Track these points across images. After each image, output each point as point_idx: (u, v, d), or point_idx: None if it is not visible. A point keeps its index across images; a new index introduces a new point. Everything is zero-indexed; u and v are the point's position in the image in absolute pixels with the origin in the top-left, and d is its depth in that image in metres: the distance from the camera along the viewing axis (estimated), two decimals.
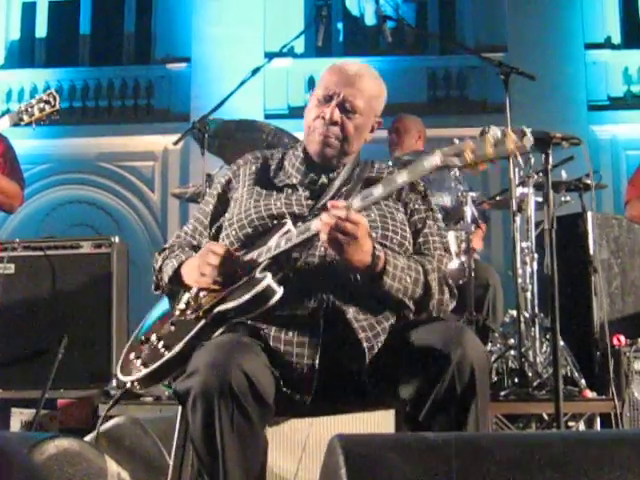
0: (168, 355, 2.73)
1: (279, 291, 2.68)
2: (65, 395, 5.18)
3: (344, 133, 3.03)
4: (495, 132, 2.67)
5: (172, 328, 2.84)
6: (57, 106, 4.39)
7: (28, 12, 17.35)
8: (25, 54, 17.27)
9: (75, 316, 5.38)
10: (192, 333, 2.74)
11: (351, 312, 2.78)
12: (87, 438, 3.75)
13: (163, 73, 16.62)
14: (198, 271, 2.81)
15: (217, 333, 2.75)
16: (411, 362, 2.59)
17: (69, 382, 5.18)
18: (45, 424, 5.00)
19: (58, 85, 16.18)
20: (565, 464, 1.63)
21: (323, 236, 2.67)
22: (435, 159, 2.73)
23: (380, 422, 3.24)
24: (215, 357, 2.51)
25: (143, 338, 2.88)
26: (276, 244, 2.81)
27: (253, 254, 2.83)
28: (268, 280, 2.68)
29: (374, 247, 2.74)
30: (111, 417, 4.45)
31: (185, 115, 15.34)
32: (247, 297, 2.67)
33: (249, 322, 2.79)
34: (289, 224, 2.86)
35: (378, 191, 2.77)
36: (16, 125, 4.41)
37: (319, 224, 2.69)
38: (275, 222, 2.92)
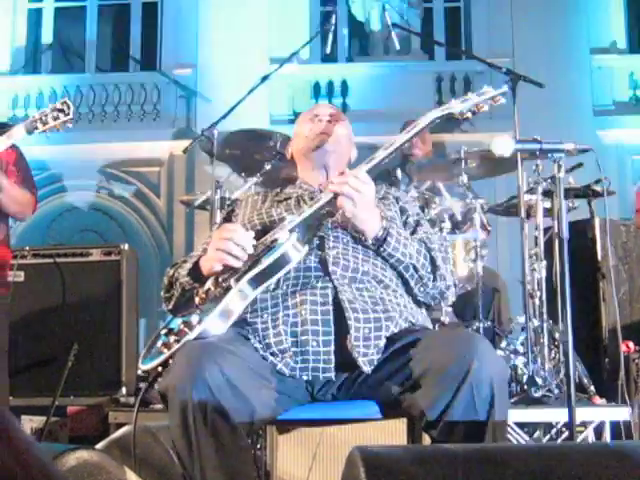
0: (202, 325, 2.72)
1: (302, 250, 2.80)
2: (75, 402, 5.19)
3: (338, 131, 3.23)
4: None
5: (197, 311, 2.85)
6: (71, 115, 4.42)
7: (34, 18, 17.36)
8: (31, 60, 17.28)
9: (85, 323, 5.39)
10: (224, 302, 2.76)
11: (347, 295, 2.84)
12: (97, 446, 3.76)
13: (169, 79, 16.64)
14: (214, 248, 2.87)
15: (247, 302, 2.80)
16: (428, 372, 2.59)
17: (79, 389, 5.20)
18: (55, 432, 5.01)
19: (64, 91, 16.21)
20: (583, 476, 1.64)
21: (339, 199, 2.82)
22: (427, 115, 3.02)
23: (392, 431, 3.25)
24: (191, 354, 2.55)
25: (166, 331, 2.86)
26: (290, 220, 2.91)
27: (265, 238, 2.91)
28: (292, 240, 2.79)
29: (380, 213, 2.94)
30: (121, 425, 4.47)
31: (191, 121, 15.39)
32: (273, 257, 2.77)
33: (263, 322, 2.84)
34: (293, 215, 2.96)
35: (380, 153, 2.97)
36: (30, 133, 4.43)
37: (331, 189, 2.86)
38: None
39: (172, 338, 2.77)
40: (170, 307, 3.07)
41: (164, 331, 2.87)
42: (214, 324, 2.72)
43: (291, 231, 2.87)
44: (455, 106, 3.03)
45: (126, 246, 5.57)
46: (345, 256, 2.94)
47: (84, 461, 2.59)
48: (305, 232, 2.95)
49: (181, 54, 16.48)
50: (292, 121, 16.02)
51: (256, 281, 2.79)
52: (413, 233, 3.12)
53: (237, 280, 2.79)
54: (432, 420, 2.55)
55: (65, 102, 4.46)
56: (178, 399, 2.48)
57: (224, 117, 5.54)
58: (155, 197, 16.52)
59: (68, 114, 4.43)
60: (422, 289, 3.02)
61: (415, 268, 2.96)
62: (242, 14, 15.79)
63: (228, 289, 2.80)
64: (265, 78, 5.67)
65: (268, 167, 5.52)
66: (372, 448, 1.74)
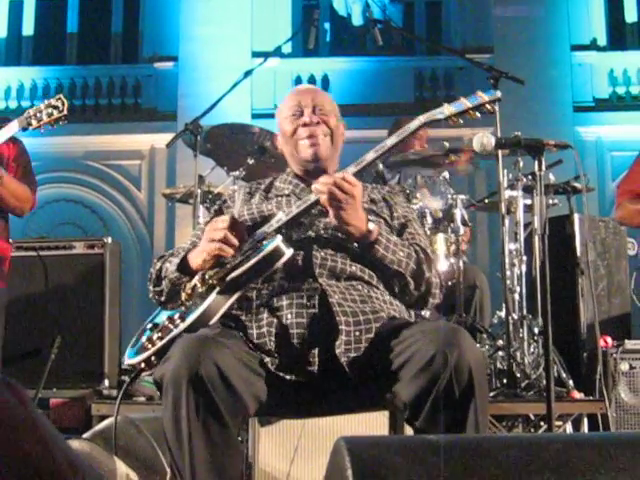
0: (185, 323, 2.75)
1: (288, 252, 2.79)
2: (58, 395, 5.19)
3: (329, 127, 3.19)
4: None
5: (183, 308, 2.88)
6: (65, 111, 4.38)
7: (15, 10, 17.32)
8: (12, 52, 17.24)
9: (68, 316, 5.39)
10: (208, 301, 2.79)
11: (337, 298, 2.84)
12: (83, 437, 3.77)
13: (150, 72, 16.61)
14: (207, 238, 2.87)
15: (231, 301, 2.82)
16: (409, 364, 2.62)
17: (62, 382, 5.20)
18: None
19: (45, 83, 16.17)
20: (563, 466, 1.68)
21: (323, 197, 2.83)
22: (419, 118, 3.01)
23: (374, 423, 3.28)
24: (189, 347, 2.56)
25: (151, 325, 2.90)
26: (277, 219, 2.94)
27: (253, 235, 2.93)
28: (278, 241, 2.79)
29: (367, 217, 2.92)
30: (104, 417, 4.49)
31: (172, 114, 15.37)
32: (259, 257, 2.77)
33: (250, 316, 2.86)
34: (280, 214, 2.97)
35: (370, 155, 3.00)
36: (24, 130, 4.41)
37: (318, 190, 2.86)
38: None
39: (155, 335, 2.80)
40: (162, 300, 3.09)
41: (149, 325, 2.91)
42: (198, 323, 2.75)
43: (278, 231, 2.89)
44: (447, 111, 3.03)
45: (109, 239, 5.58)
46: (333, 257, 2.95)
47: (75, 451, 2.61)
48: (294, 231, 2.98)
49: (163, 47, 16.45)
50: (274, 115, 15.92)
51: (240, 281, 2.81)
52: (399, 235, 3.14)
53: (222, 279, 2.82)
54: (414, 410, 2.59)
55: (60, 98, 4.41)
56: (172, 392, 2.50)
57: (208, 111, 5.55)
58: (136, 190, 16.51)
59: (62, 111, 4.38)
60: (407, 297, 3.04)
61: (401, 275, 2.97)
62: (224, 7, 15.79)
63: (213, 287, 2.82)
64: (249, 73, 5.68)
65: (251, 161, 5.53)
66: (358, 438, 1.77)
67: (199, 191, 5.50)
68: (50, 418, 5.11)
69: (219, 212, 3.29)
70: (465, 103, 3.03)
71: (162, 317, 2.91)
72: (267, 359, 2.75)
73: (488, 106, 3.05)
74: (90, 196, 16.60)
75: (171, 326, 2.79)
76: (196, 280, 2.90)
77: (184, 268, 2.97)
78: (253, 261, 2.78)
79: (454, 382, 2.52)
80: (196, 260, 2.92)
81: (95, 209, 16.61)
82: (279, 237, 2.82)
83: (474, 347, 2.65)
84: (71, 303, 5.46)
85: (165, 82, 16.36)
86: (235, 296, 2.83)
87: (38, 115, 4.37)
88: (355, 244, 2.94)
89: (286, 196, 3.19)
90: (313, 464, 3.52)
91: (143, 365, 2.80)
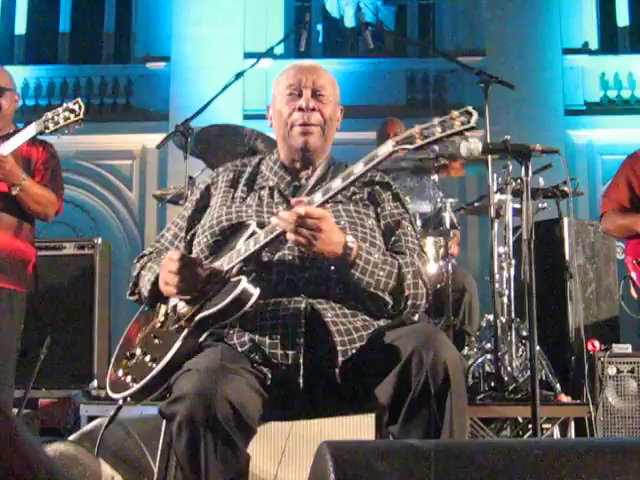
0: (157, 368, 2.72)
1: (255, 293, 2.70)
2: (47, 395, 5.20)
3: (323, 117, 3.11)
4: (442, 117, 2.78)
5: (156, 341, 2.85)
6: (81, 115, 4.31)
7: (7, 8, 17.27)
8: (4, 51, 17.18)
9: (58, 317, 5.40)
10: (177, 344, 2.75)
11: (330, 316, 2.81)
12: (69, 439, 3.78)
13: (142, 72, 16.58)
14: (162, 281, 2.85)
15: (201, 339, 2.78)
16: (387, 367, 2.63)
17: (51, 382, 5.21)
18: (26, 424, 5.02)
19: (37, 83, 16.13)
20: (543, 471, 1.69)
21: (289, 235, 2.72)
22: (387, 146, 2.81)
23: (360, 426, 3.29)
24: (201, 385, 2.51)
25: (128, 354, 2.88)
26: (245, 247, 2.84)
27: (223, 259, 2.87)
28: (244, 284, 2.70)
29: (346, 240, 2.80)
30: (92, 418, 4.50)
31: (164, 114, 15.34)
32: (225, 302, 2.69)
33: (234, 329, 2.82)
34: (253, 225, 2.91)
35: (337, 184, 2.82)
36: (41, 133, 4.37)
37: (280, 225, 2.74)
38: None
39: (131, 376, 2.80)
40: (145, 304, 3.09)
41: (128, 353, 2.90)
42: (171, 363, 2.73)
43: (247, 260, 2.83)
44: (418, 141, 2.79)
45: (99, 240, 5.59)
46: (317, 277, 2.89)
47: (60, 453, 2.61)
48: (272, 249, 2.90)
49: (155, 47, 16.42)
50: (265, 116, 15.89)
51: (209, 322, 2.77)
52: (389, 236, 3.10)
53: (190, 320, 2.78)
54: (393, 412, 2.61)
55: (77, 102, 4.34)
56: (188, 434, 2.47)
57: (199, 112, 5.54)
58: (127, 190, 16.48)
59: (78, 115, 4.32)
60: (384, 314, 2.97)
61: (379, 297, 2.88)
62: (217, 8, 15.77)
63: (181, 329, 2.79)
64: (240, 74, 5.67)
65: None
66: (341, 443, 1.78)
67: (189, 192, 5.50)
68: (39, 418, 5.13)
69: (203, 197, 3.23)
70: (436, 131, 2.81)
71: (137, 348, 2.90)
72: (268, 375, 2.74)
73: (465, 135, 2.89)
74: (81, 196, 16.55)
75: (148, 363, 2.78)
76: (168, 311, 2.90)
77: (155, 290, 2.95)
78: (221, 305, 2.71)
79: (430, 381, 2.53)
80: (162, 285, 2.89)
81: (86, 209, 16.57)
82: (244, 280, 2.72)
83: (450, 347, 2.65)
84: (61, 303, 5.47)
85: (157, 82, 16.33)
86: (204, 335, 2.79)
87: (55, 118, 4.31)
88: (332, 266, 2.85)
89: (269, 188, 3.12)
90: (300, 466, 3.53)
91: (122, 402, 2.83)
